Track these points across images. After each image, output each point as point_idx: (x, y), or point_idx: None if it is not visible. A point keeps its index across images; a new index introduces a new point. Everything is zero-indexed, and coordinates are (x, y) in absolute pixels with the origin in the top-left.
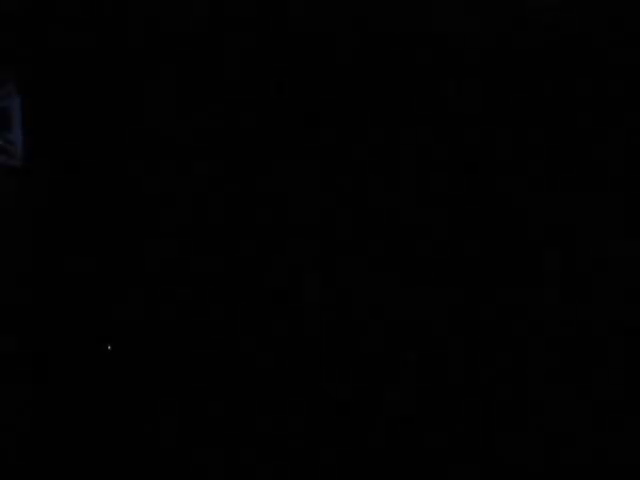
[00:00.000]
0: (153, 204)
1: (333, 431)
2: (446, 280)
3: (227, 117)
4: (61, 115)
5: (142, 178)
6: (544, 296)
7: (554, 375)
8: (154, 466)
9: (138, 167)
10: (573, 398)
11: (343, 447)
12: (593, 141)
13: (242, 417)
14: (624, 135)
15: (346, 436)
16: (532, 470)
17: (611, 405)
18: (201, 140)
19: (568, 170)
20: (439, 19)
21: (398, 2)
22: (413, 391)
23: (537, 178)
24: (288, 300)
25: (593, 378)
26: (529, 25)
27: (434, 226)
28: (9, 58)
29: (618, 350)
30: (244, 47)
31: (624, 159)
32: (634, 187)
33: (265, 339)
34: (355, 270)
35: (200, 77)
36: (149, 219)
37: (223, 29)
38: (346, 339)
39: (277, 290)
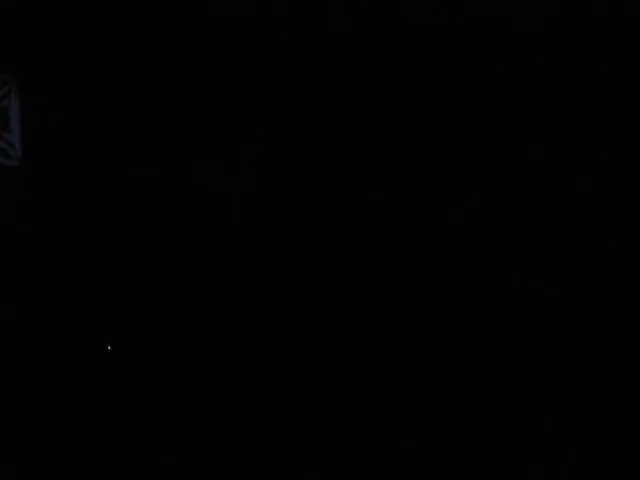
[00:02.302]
0: (152, 203)
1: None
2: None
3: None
4: (60, 115)
5: (141, 177)
6: None
7: None
8: (153, 465)
9: (137, 166)
10: None
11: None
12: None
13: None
14: None
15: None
16: None
17: None
18: (201, 140)
19: None
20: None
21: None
22: None
23: None
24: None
25: None
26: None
27: None
28: (9, 58)
29: None
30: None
31: None
32: None
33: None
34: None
35: (200, 76)
36: (148, 218)
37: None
38: None
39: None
